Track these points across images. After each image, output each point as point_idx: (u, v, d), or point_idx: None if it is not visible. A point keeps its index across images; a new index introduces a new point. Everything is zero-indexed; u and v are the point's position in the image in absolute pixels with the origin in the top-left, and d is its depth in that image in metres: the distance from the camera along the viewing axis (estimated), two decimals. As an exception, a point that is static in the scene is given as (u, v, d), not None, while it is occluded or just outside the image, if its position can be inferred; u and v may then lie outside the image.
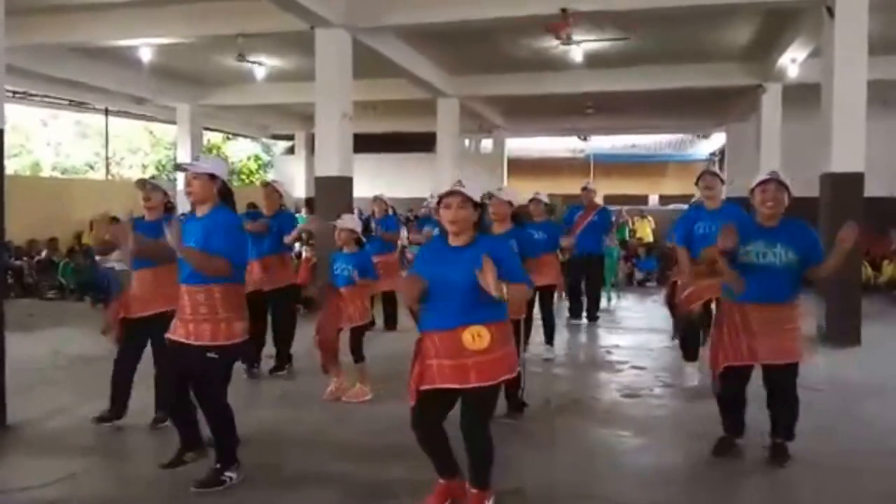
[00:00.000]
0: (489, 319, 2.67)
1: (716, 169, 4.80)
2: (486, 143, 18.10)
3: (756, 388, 3.42)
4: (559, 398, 4.58)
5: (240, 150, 22.45)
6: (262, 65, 10.03)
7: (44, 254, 10.65)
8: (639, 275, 11.03)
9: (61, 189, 13.30)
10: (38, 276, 10.14)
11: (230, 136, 20.19)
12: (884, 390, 4.79)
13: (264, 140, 20.42)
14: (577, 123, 15.89)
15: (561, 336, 6.77)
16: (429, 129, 12.57)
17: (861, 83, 6.42)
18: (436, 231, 3.53)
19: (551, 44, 8.66)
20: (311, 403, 4.46)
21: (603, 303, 8.51)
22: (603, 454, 3.64)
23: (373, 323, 4.57)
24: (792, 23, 8.42)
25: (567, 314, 7.45)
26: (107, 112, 14.37)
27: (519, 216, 4.03)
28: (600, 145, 18.80)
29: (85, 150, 21.15)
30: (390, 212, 7.49)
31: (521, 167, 18.44)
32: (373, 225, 7.32)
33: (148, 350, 3.82)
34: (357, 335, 4.50)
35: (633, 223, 13.89)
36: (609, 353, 6.11)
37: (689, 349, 4.86)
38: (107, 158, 16.68)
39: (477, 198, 2.75)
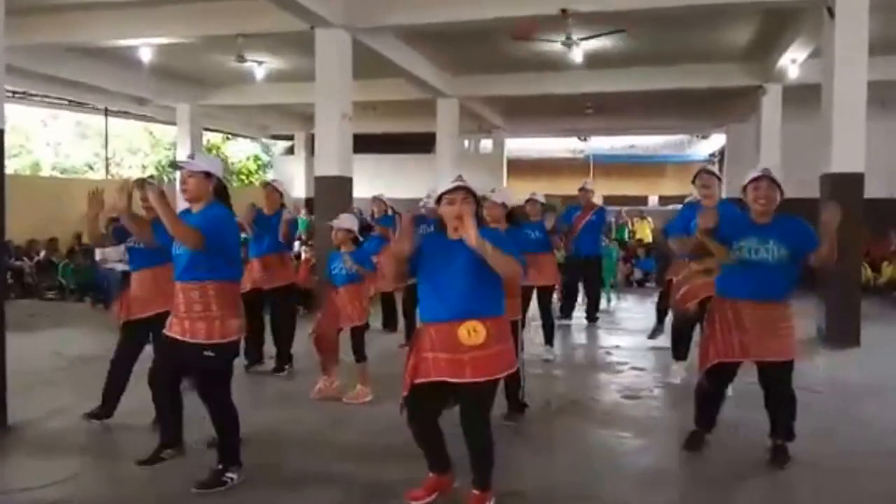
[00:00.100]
0: (486, 314, 2.69)
1: (712, 168, 4.81)
2: (486, 144, 18.09)
3: (755, 388, 3.42)
4: (559, 399, 4.58)
5: (239, 151, 22.44)
6: (262, 65, 10.03)
7: (42, 254, 10.65)
8: (637, 273, 11.03)
9: (61, 189, 13.28)
10: (38, 277, 10.14)
11: (230, 136, 20.19)
12: (883, 391, 4.79)
13: (264, 140, 20.41)
14: (576, 124, 15.89)
15: (560, 337, 6.78)
16: (428, 129, 12.57)
17: (861, 84, 6.43)
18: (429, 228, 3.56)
19: (551, 44, 8.66)
20: (311, 403, 4.47)
21: (602, 304, 8.53)
22: (603, 455, 3.64)
23: (367, 325, 4.59)
24: (792, 23, 8.42)
25: (558, 312, 7.44)
26: (106, 112, 14.36)
27: (515, 215, 4.03)
28: (600, 146, 18.80)
29: (85, 150, 21.14)
30: (389, 212, 7.50)
31: (521, 168, 18.43)
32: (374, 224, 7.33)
33: (147, 350, 3.82)
34: (358, 335, 4.51)
35: (633, 224, 13.89)
36: (609, 353, 6.11)
37: (679, 348, 4.86)
38: (106, 159, 16.67)
39: (479, 193, 2.82)
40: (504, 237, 2.87)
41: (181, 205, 3.27)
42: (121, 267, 7.46)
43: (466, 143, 17.19)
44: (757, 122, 11.62)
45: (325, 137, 7.86)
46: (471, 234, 2.53)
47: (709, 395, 3.42)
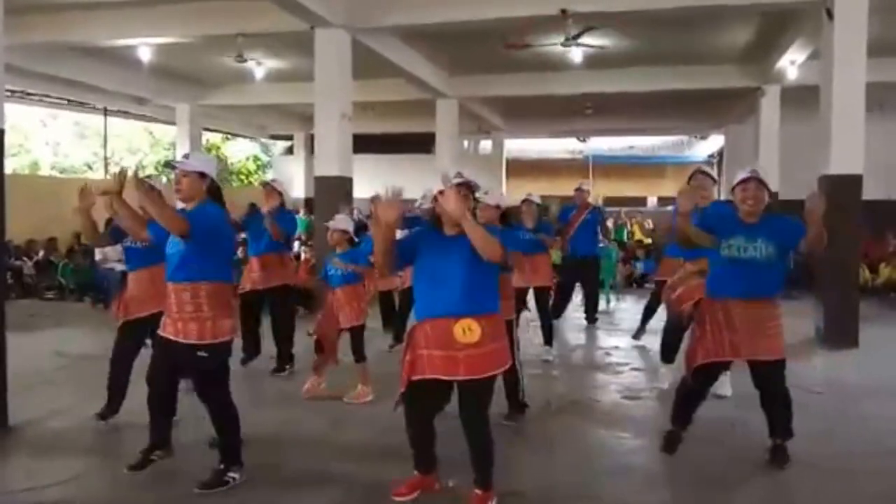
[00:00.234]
0: (481, 312, 2.71)
1: (707, 168, 4.86)
2: (485, 144, 18.11)
3: (752, 389, 3.43)
4: (559, 399, 4.59)
5: (239, 151, 22.44)
6: (262, 65, 10.03)
7: (41, 254, 10.64)
8: (638, 268, 11.02)
9: (60, 189, 13.26)
10: (37, 277, 10.13)
11: (229, 136, 20.18)
12: (882, 392, 4.80)
13: (263, 140, 20.41)
14: (575, 125, 15.91)
15: (560, 338, 6.78)
16: (428, 129, 12.58)
17: (860, 85, 6.44)
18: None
19: (551, 45, 8.68)
20: (311, 404, 4.47)
21: (602, 304, 8.53)
22: (603, 455, 3.65)
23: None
24: (791, 25, 8.44)
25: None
26: (106, 112, 14.35)
27: (508, 216, 4.04)
28: (599, 147, 18.83)
29: (84, 149, 21.12)
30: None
31: (520, 168, 18.45)
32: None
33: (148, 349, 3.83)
34: (357, 335, 4.52)
35: (631, 225, 13.90)
36: (608, 354, 6.12)
37: (668, 351, 4.86)
38: (106, 158, 16.65)
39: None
40: (499, 234, 2.90)
41: (178, 205, 3.27)
42: (120, 267, 7.43)
43: (466, 143, 17.20)
44: (756, 124, 11.65)
45: (324, 137, 7.87)
46: (451, 203, 2.57)
47: (692, 394, 3.46)
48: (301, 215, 14.06)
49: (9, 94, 11.26)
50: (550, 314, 5.79)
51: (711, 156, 18.22)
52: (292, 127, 17.25)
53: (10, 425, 3.96)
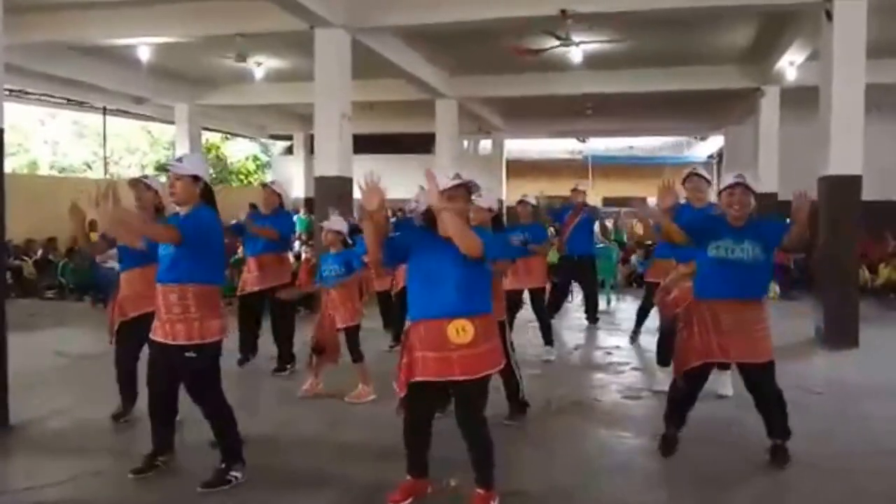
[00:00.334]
0: (474, 313, 2.72)
1: (701, 170, 4.92)
2: (485, 145, 18.12)
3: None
4: (560, 399, 4.59)
5: (238, 151, 22.44)
6: (261, 65, 10.03)
7: (39, 253, 10.62)
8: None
9: (59, 188, 13.25)
10: (37, 276, 10.12)
11: (228, 136, 20.17)
12: (882, 392, 4.81)
13: (263, 140, 20.40)
14: (575, 125, 15.92)
15: (561, 338, 6.79)
16: (427, 129, 12.58)
17: (859, 86, 6.45)
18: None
19: (550, 45, 8.68)
20: (311, 403, 4.48)
21: (602, 304, 8.54)
22: (603, 455, 3.65)
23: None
24: (790, 26, 8.45)
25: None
26: (105, 111, 14.34)
27: (499, 220, 4.05)
28: (599, 147, 18.85)
29: (83, 149, 21.11)
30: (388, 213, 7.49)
31: (520, 168, 18.46)
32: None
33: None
34: (352, 335, 4.54)
35: (631, 227, 13.90)
36: (609, 354, 6.13)
37: (664, 354, 4.86)
38: (105, 158, 16.63)
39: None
40: (491, 236, 2.93)
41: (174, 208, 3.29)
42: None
43: (466, 143, 17.20)
44: (755, 124, 11.67)
45: (324, 137, 7.87)
46: (433, 194, 2.59)
47: (684, 396, 3.49)
48: (301, 215, 14.07)
49: (7, 93, 11.25)
50: (547, 314, 5.78)
51: (711, 156, 18.24)
52: (292, 127, 17.25)
53: (11, 424, 3.96)
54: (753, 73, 10.68)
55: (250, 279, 5.32)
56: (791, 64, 9.29)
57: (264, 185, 5.70)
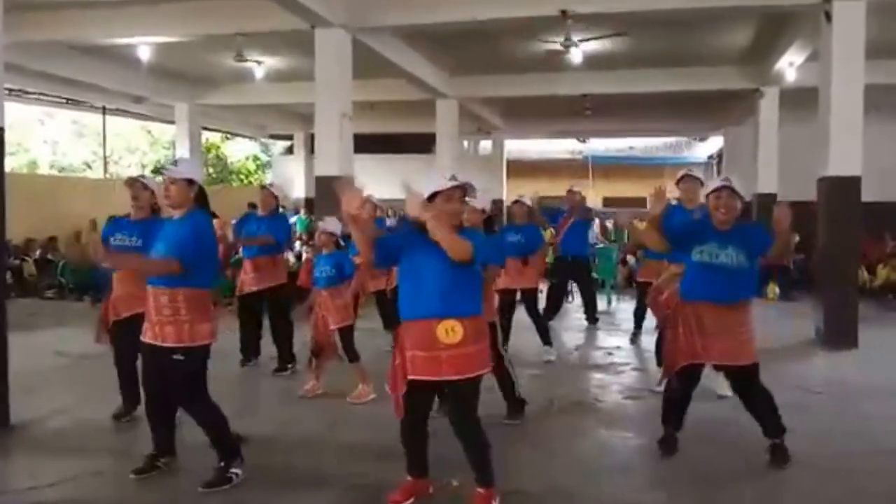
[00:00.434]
0: (464, 313, 2.74)
1: (695, 172, 4.99)
2: (486, 145, 18.13)
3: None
4: (561, 399, 4.60)
5: (238, 150, 22.43)
6: (261, 64, 10.03)
7: (38, 253, 10.61)
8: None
9: (59, 188, 13.25)
10: (38, 276, 10.11)
11: (228, 135, 20.16)
12: (881, 392, 4.82)
13: (263, 140, 20.39)
14: (575, 125, 15.92)
15: (562, 338, 6.80)
16: (428, 129, 12.58)
17: (858, 87, 6.47)
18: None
19: (551, 45, 8.69)
20: (311, 404, 4.48)
21: (603, 305, 8.56)
22: (604, 455, 3.66)
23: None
24: (789, 27, 8.46)
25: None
26: (104, 110, 14.33)
27: (491, 221, 4.06)
28: (598, 147, 18.85)
29: (82, 148, 21.09)
30: (380, 214, 7.51)
31: (520, 169, 18.46)
32: None
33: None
34: (346, 335, 4.55)
35: (631, 227, 13.90)
36: (610, 354, 6.14)
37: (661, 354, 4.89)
38: (104, 157, 16.63)
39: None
40: (482, 239, 2.94)
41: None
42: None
43: (466, 143, 17.21)
44: (754, 125, 11.67)
45: (325, 137, 7.87)
46: (414, 206, 2.64)
47: (679, 396, 3.52)
48: (302, 215, 14.07)
49: (7, 92, 11.23)
50: (541, 315, 5.78)
51: (711, 157, 18.26)
52: (292, 126, 17.25)
53: (12, 424, 3.97)
54: (753, 73, 10.69)
55: (247, 280, 5.37)
56: (790, 65, 9.30)
57: (262, 187, 5.79)
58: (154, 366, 3.14)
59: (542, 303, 6.10)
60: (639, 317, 6.30)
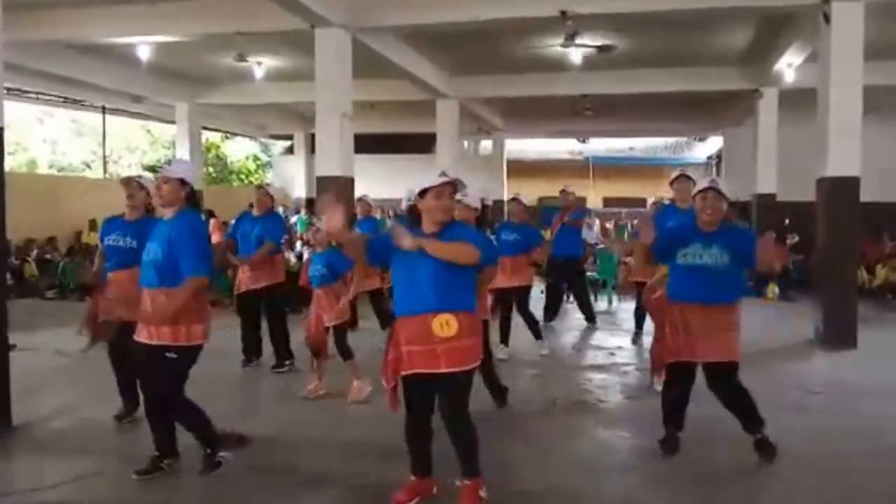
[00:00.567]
0: (458, 308, 2.76)
1: (689, 173, 5.04)
2: (486, 145, 18.15)
3: (754, 389, 3.46)
4: (563, 399, 4.61)
5: (238, 150, 22.41)
6: (261, 64, 10.03)
7: (35, 253, 10.60)
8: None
9: (59, 187, 13.24)
10: (39, 276, 10.10)
11: (228, 135, 20.15)
12: (881, 392, 4.84)
13: (263, 140, 20.39)
14: (575, 126, 15.95)
15: (563, 338, 6.81)
16: (428, 129, 12.59)
17: (857, 88, 6.48)
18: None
19: (551, 46, 8.70)
20: (311, 403, 4.49)
21: (604, 305, 8.57)
22: (604, 455, 3.68)
23: (355, 323, 4.68)
24: (788, 28, 8.48)
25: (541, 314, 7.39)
26: (104, 110, 14.32)
27: (483, 219, 4.08)
28: (599, 148, 18.88)
29: (82, 148, 21.06)
30: (375, 214, 7.53)
31: (520, 169, 18.49)
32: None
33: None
34: (339, 334, 4.56)
35: (632, 227, 13.91)
36: (612, 354, 6.14)
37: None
38: (104, 157, 16.62)
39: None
40: (471, 232, 2.96)
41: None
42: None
43: (466, 143, 17.22)
44: (754, 126, 11.69)
45: (325, 137, 7.87)
46: (406, 243, 2.66)
47: (675, 396, 3.55)
48: (302, 215, 14.07)
49: (5, 91, 11.20)
50: (531, 311, 5.81)
51: (710, 157, 18.29)
52: (292, 126, 17.25)
53: (14, 425, 3.97)
54: (752, 74, 10.71)
55: (244, 279, 5.41)
56: (789, 65, 9.31)
57: (258, 187, 5.84)
58: (150, 365, 3.16)
59: (538, 302, 6.11)
60: (639, 317, 6.32)
